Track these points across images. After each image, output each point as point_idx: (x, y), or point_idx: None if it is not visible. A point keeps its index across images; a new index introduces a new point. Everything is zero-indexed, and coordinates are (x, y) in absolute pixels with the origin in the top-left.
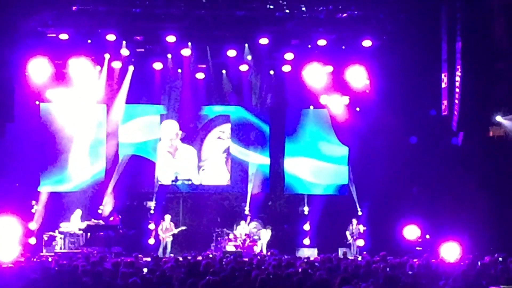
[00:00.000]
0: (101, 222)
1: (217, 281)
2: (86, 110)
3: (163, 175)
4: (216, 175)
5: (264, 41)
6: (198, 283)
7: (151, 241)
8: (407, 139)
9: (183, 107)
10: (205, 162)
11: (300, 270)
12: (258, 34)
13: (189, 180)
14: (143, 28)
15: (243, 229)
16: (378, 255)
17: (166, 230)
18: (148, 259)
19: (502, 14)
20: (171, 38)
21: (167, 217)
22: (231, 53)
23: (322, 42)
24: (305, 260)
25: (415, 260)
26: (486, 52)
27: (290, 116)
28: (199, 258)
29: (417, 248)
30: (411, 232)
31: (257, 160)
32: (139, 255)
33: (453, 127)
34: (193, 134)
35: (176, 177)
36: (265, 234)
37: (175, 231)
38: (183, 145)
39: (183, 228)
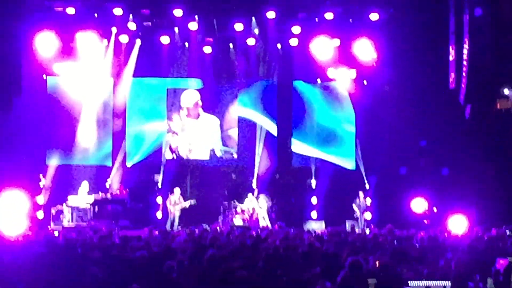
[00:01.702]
0: (108, 195)
1: (223, 255)
2: (93, 84)
3: (171, 148)
4: (224, 148)
5: (271, 14)
6: (204, 256)
7: (159, 214)
8: (415, 113)
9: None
10: (213, 134)
11: (307, 243)
12: (265, 7)
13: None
14: (149, 2)
15: (250, 202)
16: (385, 228)
17: (175, 203)
18: (156, 232)
19: None
20: (178, 12)
21: (177, 190)
22: (238, 26)
23: (329, 16)
24: (313, 233)
25: (422, 233)
26: (494, 25)
27: (298, 89)
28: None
29: (424, 220)
30: (418, 205)
31: (266, 125)
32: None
33: (460, 100)
34: (208, 106)
35: (179, 151)
36: (262, 203)
37: (185, 204)
38: (205, 114)
39: (193, 201)
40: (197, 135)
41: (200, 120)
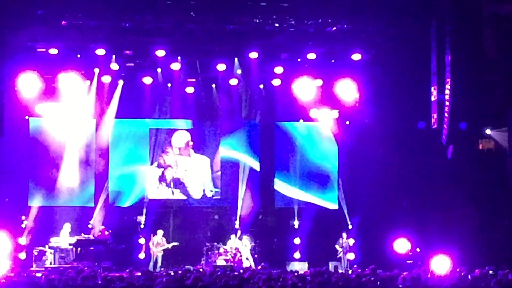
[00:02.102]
0: (91, 236)
1: None
2: (76, 125)
3: (153, 188)
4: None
5: (253, 55)
6: None
7: (141, 255)
8: (397, 152)
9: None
10: (195, 174)
11: (290, 283)
12: (248, 48)
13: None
14: (132, 43)
15: (233, 243)
16: (368, 268)
17: (158, 244)
18: (139, 273)
19: (491, 27)
20: (160, 52)
21: (160, 232)
22: (221, 67)
23: (311, 56)
24: (296, 274)
25: (405, 273)
26: (476, 65)
27: (280, 129)
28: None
29: (408, 261)
30: (401, 245)
31: (250, 164)
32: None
33: (442, 141)
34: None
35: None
36: (246, 243)
37: (167, 246)
38: (196, 154)
39: (175, 244)
40: (189, 173)
41: (192, 159)
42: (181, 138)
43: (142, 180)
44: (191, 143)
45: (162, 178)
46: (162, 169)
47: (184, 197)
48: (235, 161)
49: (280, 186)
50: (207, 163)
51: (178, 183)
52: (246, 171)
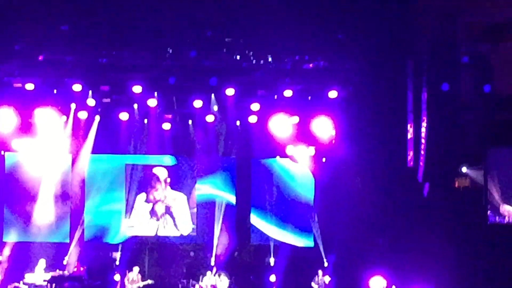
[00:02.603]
0: (66, 272)
1: None
2: (52, 160)
3: (129, 226)
4: (181, 224)
5: (230, 91)
6: None
7: None
8: (373, 189)
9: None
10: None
11: None
12: (225, 84)
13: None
14: (109, 78)
15: (209, 280)
16: None
17: (133, 281)
18: None
19: (468, 67)
20: (137, 89)
21: (135, 268)
22: (197, 103)
23: (288, 93)
24: None
25: None
26: (452, 103)
27: (257, 166)
28: None
29: None
30: (377, 283)
31: (225, 199)
32: None
33: (418, 178)
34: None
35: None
36: (224, 282)
37: (141, 284)
38: (172, 191)
39: (150, 282)
40: (174, 209)
41: (169, 196)
42: (162, 173)
43: (118, 216)
44: (168, 179)
45: (152, 213)
46: (151, 204)
47: (174, 232)
48: (211, 198)
49: (256, 222)
50: (184, 200)
51: (168, 218)
52: (222, 208)
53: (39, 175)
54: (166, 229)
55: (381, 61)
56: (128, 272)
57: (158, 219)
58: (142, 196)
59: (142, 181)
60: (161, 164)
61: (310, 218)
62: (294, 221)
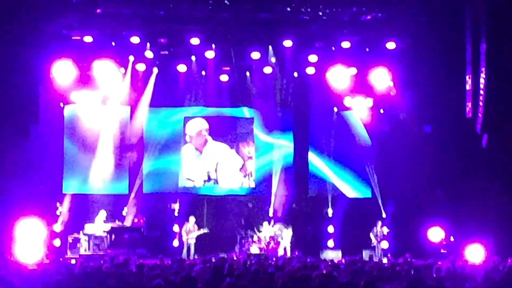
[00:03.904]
0: (125, 224)
1: (240, 283)
2: (111, 112)
3: (191, 176)
4: (240, 177)
5: (288, 43)
6: (222, 285)
7: (175, 243)
8: (431, 141)
9: (208, 109)
10: (229, 162)
11: (324, 272)
12: (282, 36)
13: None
14: (167, 30)
15: (267, 231)
16: (402, 257)
17: (189, 231)
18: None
19: None
20: (195, 41)
21: (192, 218)
22: (255, 55)
23: (346, 44)
24: (330, 262)
25: (439, 262)
26: (511, 54)
27: (314, 118)
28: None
29: (442, 250)
30: (436, 234)
31: (282, 150)
32: (163, 257)
33: (477, 130)
34: (221, 134)
35: (209, 177)
36: (287, 233)
37: (198, 233)
38: (214, 142)
39: (206, 231)
40: (224, 162)
41: (220, 149)
42: (197, 126)
43: (176, 168)
44: (205, 132)
45: (207, 165)
46: (206, 156)
47: (231, 184)
48: (269, 150)
49: (316, 162)
50: (234, 153)
51: (222, 170)
52: (280, 159)
53: (98, 127)
54: (223, 181)
55: (439, 12)
56: (186, 222)
57: (214, 171)
58: (194, 148)
59: (196, 134)
60: (239, 116)
61: (367, 169)
62: (351, 168)
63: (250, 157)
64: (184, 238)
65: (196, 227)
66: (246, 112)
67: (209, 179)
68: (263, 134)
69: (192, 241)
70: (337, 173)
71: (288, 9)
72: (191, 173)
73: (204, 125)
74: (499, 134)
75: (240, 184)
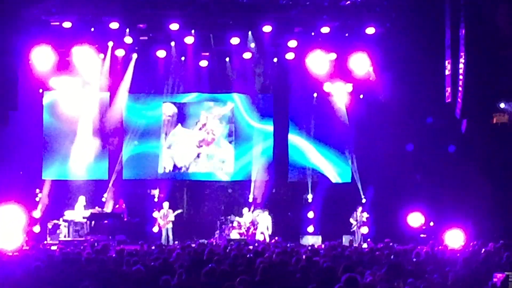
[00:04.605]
0: (105, 210)
1: (220, 269)
2: (90, 98)
3: (167, 163)
4: (220, 162)
5: (267, 28)
6: (202, 270)
7: (155, 229)
8: (411, 127)
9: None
10: (208, 147)
11: (304, 257)
12: (262, 21)
13: (186, 167)
14: (146, 16)
15: (247, 216)
16: (382, 242)
17: (165, 217)
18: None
19: (506, 1)
20: (174, 26)
21: (165, 204)
22: (235, 40)
23: (325, 30)
24: (310, 247)
25: (419, 247)
26: (490, 39)
27: (294, 103)
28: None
29: (421, 235)
30: (415, 219)
31: (263, 135)
32: (143, 243)
33: (456, 114)
34: (195, 119)
35: (189, 163)
36: (263, 218)
37: (173, 215)
38: (183, 129)
39: (179, 211)
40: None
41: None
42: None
43: (156, 154)
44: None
45: (189, 151)
46: (187, 142)
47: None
48: (249, 135)
49: (296, 141)
50: (220, 138)
51: (204, 156)
52: (259, 145)
53: (77, 113)
54: (203, 166)
55: None
56: (160, 209)
57: (197, 157)
58: (177, 134)
59: (176, 119)
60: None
61: (347, 154)
62: (332, 151)
63: (230, 142)
64: (161, 224)
65: (171, 211)
66: (225, 97)
67: (189, 165)
68: (243, 120)
69: (169, 226)
70: (316, 158)
71: None
72: (171, 159)
73: (176, 110)
74: (478, 119)
75: (220, 170)
